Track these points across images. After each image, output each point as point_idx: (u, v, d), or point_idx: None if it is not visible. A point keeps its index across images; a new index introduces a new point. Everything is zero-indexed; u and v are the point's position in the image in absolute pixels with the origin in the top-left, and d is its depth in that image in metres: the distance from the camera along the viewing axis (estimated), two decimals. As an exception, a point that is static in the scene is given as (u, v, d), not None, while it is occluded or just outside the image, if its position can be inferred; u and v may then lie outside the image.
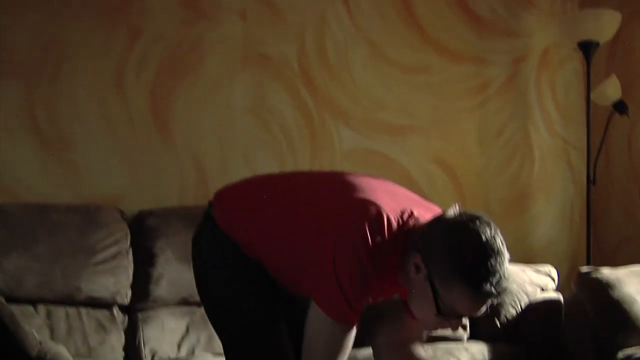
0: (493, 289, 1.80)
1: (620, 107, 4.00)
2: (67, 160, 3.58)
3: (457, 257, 1.81)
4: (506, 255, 1.83)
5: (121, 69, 3.67)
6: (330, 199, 2.00)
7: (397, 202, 1.96)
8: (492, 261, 1.79)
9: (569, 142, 4.43)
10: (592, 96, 4.10)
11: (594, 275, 3.36)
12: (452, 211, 1.89)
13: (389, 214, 1.89)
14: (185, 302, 3.37)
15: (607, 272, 3.36)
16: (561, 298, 3.52)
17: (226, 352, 2.13)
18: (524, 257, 4.19)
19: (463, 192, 4.24)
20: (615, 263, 3.73)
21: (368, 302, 1.93)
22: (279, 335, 2.05)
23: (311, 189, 2.08)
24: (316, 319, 1.91)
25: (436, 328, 1.96)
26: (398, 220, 1.90)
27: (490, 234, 1.82)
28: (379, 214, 1.88)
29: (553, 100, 4.41)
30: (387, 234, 1.88)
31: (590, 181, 4.12)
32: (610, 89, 3.99)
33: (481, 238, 1.81)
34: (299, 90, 3.95)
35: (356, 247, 1.85)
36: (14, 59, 3.52)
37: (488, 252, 1.80)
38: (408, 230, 1.90)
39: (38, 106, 3.54)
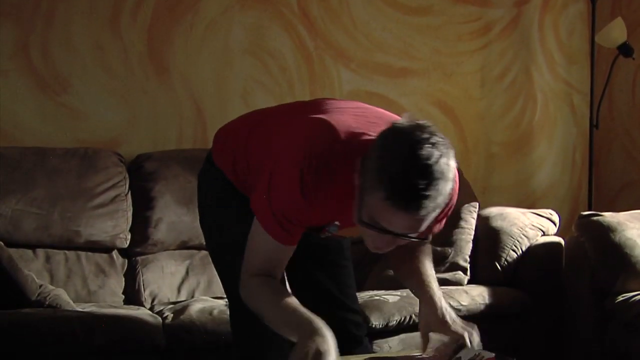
0: (410, 205, 1.63)
1: (625, 49, 3.94)
2: (64, 103, 3.55)
3: (381, 165, 1.66)
4: (437, 175, 1.63)
5: (117, 9, 3.61)
6: (293, 123, 1.93)
7: (367, 122, 1.86)
8: (416, 176, 1.62)
9: (572, 85, 4.38)
10: (596, 38, 4.04)
11: (595, 218, 3.34)
12: (404, 118, 1.74)
13: (346, 132, 1.80)
14: (184, 245, 3.37)
15: (608, 216, 3.35)
16: (562, 242, 3.51)
17: (226, 294, 2.15)
18: (525, 200, 4.19)
19: (464, 135, 4.21)
20: (616, 208, 3.72)
21: (304, 227, 1.85)
22: None
23: (285, 116, 2.03)
24: (255, 223, 1.87)
25: (371, 244, 1.79)
26: (358, 138, 1.80)
27: (427, 148, 1.63)
28: (330, 133, 1.80)
29: (557, 43, 4.35)
30: (340, 153, 1.78)
31: (593, 125, 4.09)
32: (616, 32, 3.92)
33: (413, 149, 1.63)
34: (299, 31, 3.89)
35: (291, 174, 1.78)
36: (8, -1, 3.46)
37: (414, 164, 1.63)
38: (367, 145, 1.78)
39: (33, 48, 3.50)
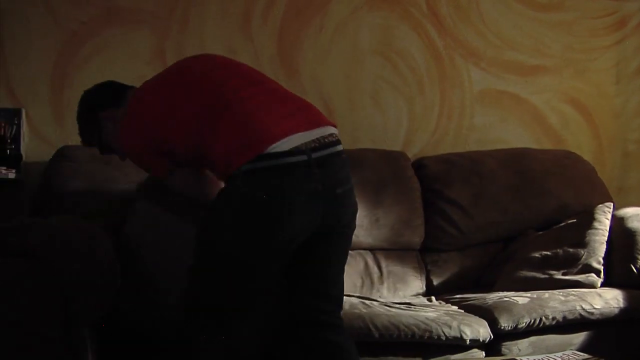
0: None
1: None
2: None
3: None
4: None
5: (248, 13, 3.70)
6: None
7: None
8: None
9: None
10: None
11: None
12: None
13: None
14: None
15: None
16: None
17: None
18: (663, 201, 4.04)
19: (598, 133, 4.10)
20: None
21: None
22: None
23: None
24: None
25: None
26: None
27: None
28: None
29: (699, 36, 4.17)
30: None
31: None
32: None
33: None
34: (428, 30, 3.88)
35: None
36: (144, 7, 3.59)
37: None
38: None
39: (169, 53, 3.62)
